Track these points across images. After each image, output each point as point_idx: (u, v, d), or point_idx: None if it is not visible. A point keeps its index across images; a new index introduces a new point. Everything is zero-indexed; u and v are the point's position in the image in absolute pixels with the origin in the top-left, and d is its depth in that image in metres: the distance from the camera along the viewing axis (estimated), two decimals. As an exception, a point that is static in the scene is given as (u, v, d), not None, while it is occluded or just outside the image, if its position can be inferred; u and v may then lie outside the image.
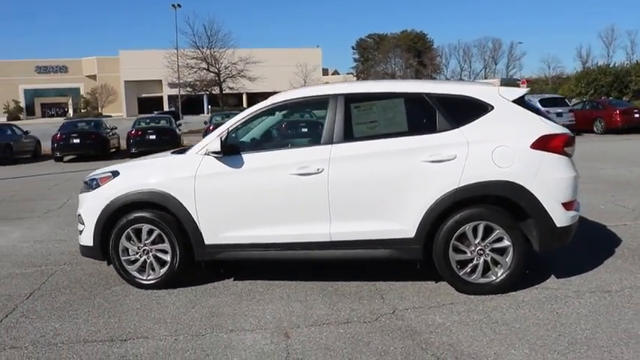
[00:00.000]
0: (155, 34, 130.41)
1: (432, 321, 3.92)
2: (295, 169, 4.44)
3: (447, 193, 4.27)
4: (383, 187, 4.38)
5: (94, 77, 76.95)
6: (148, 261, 4.80)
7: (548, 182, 4.30)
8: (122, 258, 4.82)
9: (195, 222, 4.62)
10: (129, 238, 4.79)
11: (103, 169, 5.15)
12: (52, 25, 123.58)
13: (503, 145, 4.31)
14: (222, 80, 46.09)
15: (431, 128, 4.44)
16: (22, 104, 77.08)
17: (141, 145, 19.17)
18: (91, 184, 5.01)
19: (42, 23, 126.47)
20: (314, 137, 4.66)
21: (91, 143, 18.99)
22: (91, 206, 4.88)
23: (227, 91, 47.88)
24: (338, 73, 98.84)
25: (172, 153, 5.22)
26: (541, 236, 4.34)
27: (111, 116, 61.14)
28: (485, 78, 76.44)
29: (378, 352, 3.47)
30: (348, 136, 4.51)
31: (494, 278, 4.37)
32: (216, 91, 47.95)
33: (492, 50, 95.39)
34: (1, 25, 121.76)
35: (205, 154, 4.62)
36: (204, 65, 45.89)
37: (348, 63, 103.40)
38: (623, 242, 5.75)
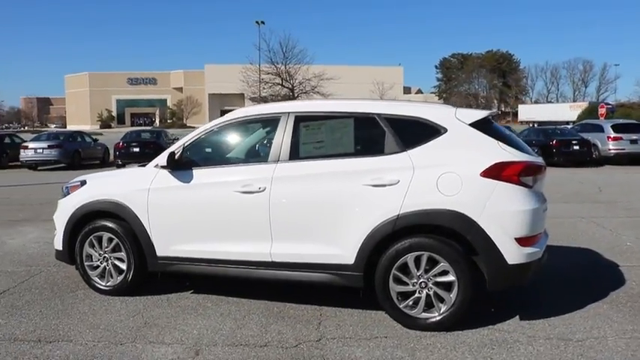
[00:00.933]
0: (238, 47, 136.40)
1: (351, 354, 3.69)
2: (239, 187, 4.40)
3: (386, 220, 4.04)
4: (323, 209, 4.23)
5: (180, 90, 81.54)
6: (107, 268, 4.93)
7: (500, 214, 3.94)
8: (85, 263, 4.99)
9: (147, 233, 4.70)
10: (92, 245, 4.95)
11: (75, 179, 5.39)
12: (143, 39, 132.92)
13: (450, 171, 4.01)
14: (295, 96, 46.97)
15: (378, 150, 4.24)
16: (114, 113, 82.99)
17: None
18: (65, 192, 5.26)
19: (134, 37, 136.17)
20: (264, 155, 4.60)
21: (149, 152, 19.79)
22: (62, 212, 5.12)
23: (300, 106, 48.43)
24: (421, 92, 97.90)
25: (139, 166, 5.35)
26: (489, 273, 3.99)
27: (193, 127, 64.10)
28: (574, 101, 72.47)
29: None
30: (294, 155, 4.40)
31: (437, 315, 4.05)
32: (290, 106, 48.66)
33: (582, 72, 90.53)
34: (99, 41, 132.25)
35: (161, 167, 4.70)
36: (278, 80, 47.10)
37: (431, 82, 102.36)
38: (625, 285, 5.16)
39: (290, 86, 47.10)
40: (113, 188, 4.95)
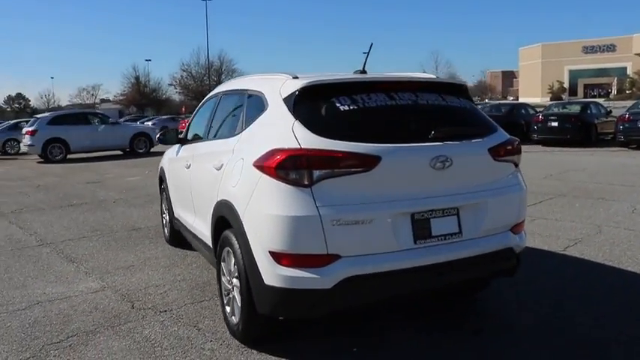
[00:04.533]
0: None
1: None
2: (184, 163, 4.75)
3: (213, 208, 3.68)
4: (200, 190, 4.21)
5: (643, 55, 70.69)
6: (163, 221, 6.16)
7: (256, 216, 3.01)
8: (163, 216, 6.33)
9: (169, 194, 5.63)
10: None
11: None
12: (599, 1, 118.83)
13: (242, 157, 3.26)
14: None
15: (236, 131, 3.78)
16: (566, 85, 79.56)
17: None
18: None
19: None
20: (206, 134, 4.67)
21: (569, 127, 17.32)
22: None
23: None
24: None
25: None
26: (252, 288, 3.08)
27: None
28: None
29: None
30: (208, 134, 4.47)
31: (235, 321, 3.44)
32: None
33: None
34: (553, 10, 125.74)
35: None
36: None
37: None
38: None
39: None
40: (164, 157, 6.05)
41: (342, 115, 3.05)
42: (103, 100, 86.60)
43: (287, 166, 2.84)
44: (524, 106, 21.80)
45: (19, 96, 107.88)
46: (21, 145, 20.12)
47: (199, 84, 69.74)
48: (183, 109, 71.13)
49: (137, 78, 74.03)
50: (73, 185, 11.65)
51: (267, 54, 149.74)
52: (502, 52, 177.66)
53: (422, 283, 3.07)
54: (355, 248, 2.83)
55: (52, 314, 3.99)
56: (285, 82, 3.30)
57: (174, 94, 76.64)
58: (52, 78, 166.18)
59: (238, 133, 3.62)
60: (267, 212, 2.90)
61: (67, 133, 17.93)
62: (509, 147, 3.38)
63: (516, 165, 3.46)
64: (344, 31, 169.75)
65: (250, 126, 3.48)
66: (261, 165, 2.97)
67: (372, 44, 3.91)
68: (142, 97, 73.66)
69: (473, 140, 3.23)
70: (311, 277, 2.80)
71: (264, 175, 2.94)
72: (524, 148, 3.83)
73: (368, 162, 2.84)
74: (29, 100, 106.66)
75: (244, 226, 3.11)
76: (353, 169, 2.83)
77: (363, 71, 3.63)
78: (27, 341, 3.54)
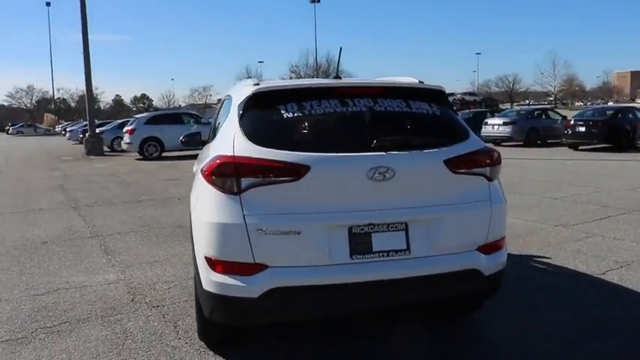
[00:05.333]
0: None
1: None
2: (194, 167, 4.92)
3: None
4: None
5: None
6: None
7: (197, 222, 3.08)
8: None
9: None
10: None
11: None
12: None
13: (202, 163, 3.31)
14: None
15: (214, 135, 3.89)
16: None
17: None
18: None
19: None
20: None
21: (595, 132, 17.33)
22: None
23: None
24: None
25: None
26: (198, 294, 3.18)
27: None
28: None
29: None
30: (208, 137, 4.55)
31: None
32: None
33: None
34: None
35: None
36: None
37: None
38: None
39: None
40: None
41: (283, 122, 3.01)
42: (219, 100, 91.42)
43: (218, 173, 2.86)
44: (633, 110, 19.86)
45: (144, 96, 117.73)
46: (121, 143, 21.94)
47: (307, 85, 71.54)
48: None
49: (339, 77, 77.17)
50: (154, 182, 12.51)
51: (376, 55, 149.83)
52: (630, 52, 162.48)
53: (361, 301, 2.89)
54: (283, 259, 2.77)
55: (61, 301, 4.33)
56: (245, 89, 3.28)
57: None
58: (172, 80, 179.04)
59: (213, 138, 3.72)
60: (203, 218, 2.95)
61: (162, 132, 19.28)
62: (476, 159, 3.09)
63: (490, 178, 3.14)
64: (455, 34, 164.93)
65: (218, 132, 3.55)
66: (203, 171, 3.02)
67: (341, 49, 3.81)
68: None
69: (425, 150, 2.98)
70: (239, 285, 2.78)
71: (205, 182, 2.98)
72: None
73: (296, 171, 2.76)
74: (152, 101, 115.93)
75: (192, 232, 3.20)
76: (281, 178, 2.77)
77: (337, 77, 3.54)
78: (27, 324, 3.88)
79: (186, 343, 3.49)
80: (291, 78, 72.78)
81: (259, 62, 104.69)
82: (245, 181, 2.78)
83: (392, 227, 2.86)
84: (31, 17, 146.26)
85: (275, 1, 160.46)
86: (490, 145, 3.38)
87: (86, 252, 5.93)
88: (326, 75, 69.77)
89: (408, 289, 2.90)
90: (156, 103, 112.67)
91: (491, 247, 3.12)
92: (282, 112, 3.01)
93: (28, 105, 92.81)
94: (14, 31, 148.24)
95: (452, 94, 60.60)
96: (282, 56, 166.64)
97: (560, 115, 22.17)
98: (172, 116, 21.68)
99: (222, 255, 2.83)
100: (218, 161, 2.89)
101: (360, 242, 2.81)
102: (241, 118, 3.07)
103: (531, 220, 7.10)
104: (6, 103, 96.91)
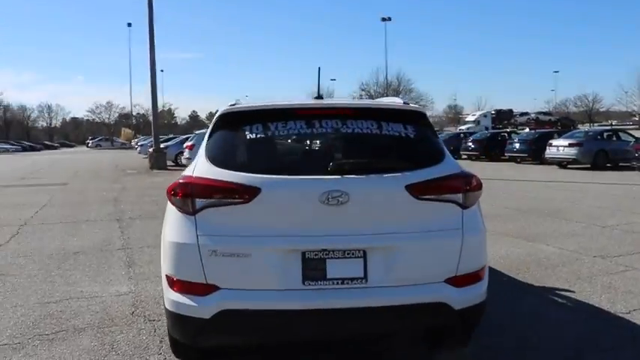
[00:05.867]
0: None
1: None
2: None
3: None
4: None
5: None
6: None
7: (161, 240, 3.11)
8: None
9: None
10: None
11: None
12: None
13: None
14: None
15: None
16: None
17: None
18: None
19: None
20: None
21: None
22: None
23: None
24: None
25: None
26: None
27: None
28: None
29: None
30: None
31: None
32: None
33: None
34: None
35: None
36: None
37: None
38: None
39: None
40: None
41: (244, 144, 3.04)
42: None
43: (176, 193, 2.91)
44: None
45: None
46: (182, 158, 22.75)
47: (377, 104, 71.62)
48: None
49: (321, 97, 78.71)
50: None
51: (448, 72, 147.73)
52: None
53: (314, 329, 2.81)
54: (234, 281, 2.76)
55: (67, 310, 4.52)
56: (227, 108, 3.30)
57: None
58: (246, 97, 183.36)
59: None
60: (164, 237, 3.01)
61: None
62: (446, 184, 2.91)
63: (463, 205, 2.94)
64: (534, 45, 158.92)
65: None
66: (166, 191, 3.05)
67: (319, 68, 3.76)
68: None
69: (385, 175, 2.84)
70: (192, 305, 2.79)
71: (168, 202, 3.04)
72: None
73: (246, 193, 2.74)
74: None
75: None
76: (232, 200, 2.76)
77: (319, 97, 3.51)
78: (29, 330, 4.07)
79: (165, 358, 3.53)
80: (360, 96, 73.19)
81: (331, 80, 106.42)
82: (199, 202, 2.81)
83: (348, 254, 2.75)
84: (112, 37, 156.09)
85: (347, 21, 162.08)
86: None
87: (110, 263, 6.17)
88: (396, 93, 69.58)
89: (365, 319, 2.78)
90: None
91: (464, 280, 2.91)
92: (247, 133, 3.02)
93: (108, 120, 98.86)
94: (97, 50, 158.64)
95: (526, 114, 58.51)
96: (355, 74, 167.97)
97: (633, 137, 20.77)
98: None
99: (178, 274, 2.86)
100: (178, 181, 2.94)
101: (313, 268, 2.73)
102: (209, 139, 3.13)
103: (569, 249, 6.66)
104: (88, 118, 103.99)
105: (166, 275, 2.95)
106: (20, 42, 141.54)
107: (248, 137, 3.01)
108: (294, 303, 2.71)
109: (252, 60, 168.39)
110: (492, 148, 27.20)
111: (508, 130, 37.34)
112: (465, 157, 29.10)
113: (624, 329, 4.06)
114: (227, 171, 2.83)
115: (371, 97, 72.00)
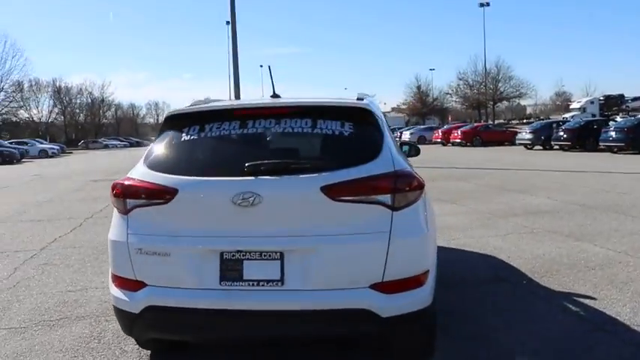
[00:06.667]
0: None
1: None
2: None
3: None
4: None
5: None
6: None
7: None
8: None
9: None
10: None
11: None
12: None
13: None
14: None
15: None
16: None
17: None
18: None
19: None
20: None
21: None
22: None
23: None
24: None
25: None
26: None
27: None
28: None
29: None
30: None
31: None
32: None
33: None
34: None
35: None
36: None
37: None
38: None
39: None
40: None
41: (176, 146, 3.12)
42: (393, 109, 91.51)
43: (113, 194, 3.06)
44: None
45: None
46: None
47: (476, 92, 69.12)
48: (449, 117, 71.76)
49: (419, 87, 77.48)
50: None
51: (551, 59, 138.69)
52: None
53: (233, 329, 2.83)
54: (159, 279, 2.86)
55: (80, 299, 4.88)
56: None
57: (451, 103, 77.78)
58: (345, 89, 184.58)
59: None
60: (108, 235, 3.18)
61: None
62: (370, 184, 2.74)
63: (394, 207, 2.75)
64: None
65: None
66: None
67: (269, 67, 3.69)
68: (423, 106, 76.60)
69: (301, 176, 2.76)
70: (125, 299, 2.96)
71: None
72: None
73: (165, 194, 2.82)
74: None
75: None
76: (155, 201, 2.86)
77: (275, 95, 3.48)
78: (39, 315, 4.47)
79: (137, 349, 3.71)
80: (458, 86, 70.70)
81: (430, 70, 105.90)
82: (130, 202, 2.95)
83: (265, 256, 2.73)
84: (217, 35, 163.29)
85: (444, 7, 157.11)
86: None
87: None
88: (495, 82, 66.46)
89: (282, 322, 2.73)
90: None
91: (395, 286, 2.74)
92: (183, 134, 3.10)
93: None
94: (204, 48, 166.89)
95: (619, 97, 53.98)
96: (453, 63, 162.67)
97: None
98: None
99: (116, 270, 3.05)
100: (115, 182, 3.11)
101: (230, 269, 2.74)
102: (155, 140, 3.26)
103: (617, 250, 6.05)
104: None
105: (110, 271, 3.14)
106: (135, 44, 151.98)
107: (182, 139, 3.09)
108: (211, 302, 2.74)
109: (353, 50, 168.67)
110: (586, 137, 25.22)
111: (609, 116, 34.43)
112: (556, 147, 27.29)
113: (632, 344, 3.63)
114: (154, 172, 2.95)
115: (469, 86, 69.57)
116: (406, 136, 44.73)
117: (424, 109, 76.63)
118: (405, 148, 5.09)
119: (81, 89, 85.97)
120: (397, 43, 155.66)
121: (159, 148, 3.16)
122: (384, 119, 3.29)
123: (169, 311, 2.81)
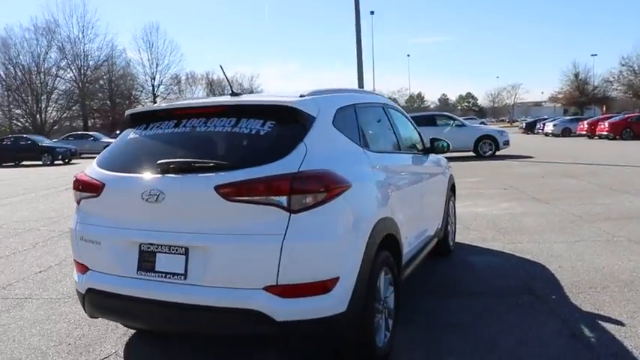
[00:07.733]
0: None
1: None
2: None
3: None
4: None
5: None
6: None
7: None
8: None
9: None
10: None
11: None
12: None
13: None
14: None
15: None
16: None
17: None
18: None
19: None
20: None
21: None
22: None
23: None
24: None
25: None
26: None
27: None
28: None
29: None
30: None
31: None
32: None
33: None
34: None
35: None
36: None
37: None
38: None
39: None
40: None
41: (123, 144, 3.35)
42: (552, 99, 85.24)
43: (72, 187, 3.36)
44: None
45: (469, 95, 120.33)
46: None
47: (642, 79, 60.80)
48: (604, 108, 63.85)
49: (576, 75, 70.74)
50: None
51: None
52: None
53: (149, 317, 2.99)
54: (95, 265, 3.12)
55: (56, 276, 5.30)
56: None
57: (612, 92, 69.36)
58: (497, 77, 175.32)
59: None
60: None
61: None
62: (264, 186, 2.65)
63: (291, 209, 2.63)
64: None
65: None
66: None
67: (221, 66, 3.74)
68: (582, 95, 69.87)
69: (199, 174, 2.78)
70: (77, 281, 3.28)
71: None
72: None
73: (97, 188, 3.09)
74: (477, 99, 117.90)
75: None
76: (89, 194, 3.15)
77: (233, 94, 3.49)
78: (40, 290, 4.91)
79: (89, 325, 3.81)
80: (620, 72, 62.71)
81: (592, 55, 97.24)
82: (77, 194, 3.29)
83: (173, 250, 2.83)
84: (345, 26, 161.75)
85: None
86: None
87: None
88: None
89: (185, 315, 2.80)
90: (481, 102, 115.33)
91: (291, 290, 2.64)
92: (131, 133, 3.35)
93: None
94: (332, 36, 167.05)
95: None
96: (616, 48, 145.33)
97: None
98: (426, 118, 21.76)
99: (73, 254, 3.35)
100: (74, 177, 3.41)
101: (146, 260, 2.89)
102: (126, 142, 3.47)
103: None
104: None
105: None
106: (286, 35, 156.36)
107: (128, 137, 3.35)
108: (130, 290, 2.91)
109: (505, 36, 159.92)
110: None
111: None
112: None
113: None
114: (96, 168, 3.22)
115: (635, 73, 61.15)
116: (549, 128, 40.98)
117: (582, 99, 69.22)
118: (440, 143, 5.02)
119: (232, 81, 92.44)
120: (554, 26, 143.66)
121: (110, 145, 3.46)
122: (328, 117, 3.15)
123: (104, 295, 3.05)
